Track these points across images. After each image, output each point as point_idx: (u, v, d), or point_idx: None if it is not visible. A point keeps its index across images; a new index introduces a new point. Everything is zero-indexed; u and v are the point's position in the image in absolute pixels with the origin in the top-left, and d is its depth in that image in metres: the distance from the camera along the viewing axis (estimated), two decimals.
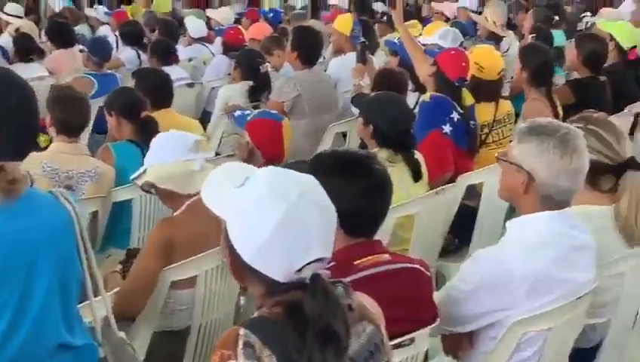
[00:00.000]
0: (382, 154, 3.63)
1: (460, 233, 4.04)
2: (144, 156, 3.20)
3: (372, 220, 2.33)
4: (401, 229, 3.65)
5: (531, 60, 4.83)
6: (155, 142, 3.11)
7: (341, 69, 6.03)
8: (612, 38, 5.57)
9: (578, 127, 2.58)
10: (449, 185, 3.82)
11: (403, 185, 3.80)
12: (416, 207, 3.58)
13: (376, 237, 2.39)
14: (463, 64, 4.43)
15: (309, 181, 1.56)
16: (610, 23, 6.00)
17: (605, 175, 2.66)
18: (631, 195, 2.61)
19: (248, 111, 3.98)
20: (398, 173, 3.77)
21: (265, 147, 3.65)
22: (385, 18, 8.37)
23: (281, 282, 1.53)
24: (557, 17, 7.64)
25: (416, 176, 3.75)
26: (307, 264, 1.50)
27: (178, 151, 3.01)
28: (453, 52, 4.60)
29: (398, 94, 4.16)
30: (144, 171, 3.05)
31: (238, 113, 3.97)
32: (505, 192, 2.53)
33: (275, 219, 1.49)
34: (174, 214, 2.98)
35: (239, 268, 1.56)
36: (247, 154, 3.64)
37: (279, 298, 1.53)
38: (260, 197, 1.51)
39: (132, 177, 3.13)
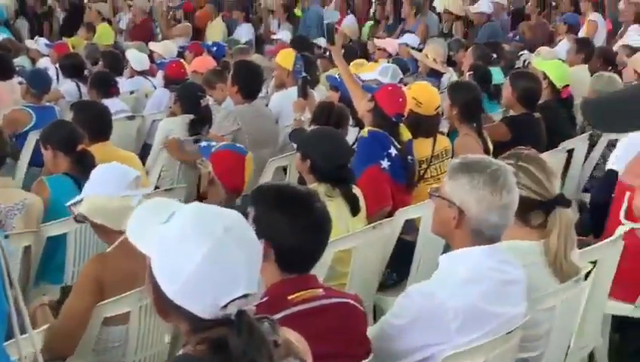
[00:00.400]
0: (320, 189, 3.66)
1: (398, 267, 4.06)
2: (80, 189, 3.16)
3: (310, 257, 2.34)
4: (339, 263, 3.67)
5: (460, 97, 4.92)
6: (96, 172, 3.08)
7: (283, 103, 6.05)
8: (546, 77, 5.71)
9: (509, 164, 2.64)
10: (386, 219, 3.85)
11: (342, 220, 3.82)
12: (353, 242, 3.59)
13: (314, 271, 2.40)
14: (400, 100, 4.49)
15: (234, 217, 1.56)
16: (543, 62, 6.15)
17: (535, 211, 2.70)
18: (560, 231, 2.66)
19: (214, 143, 4.03)
20: (336, 208, 3.79)
21: (226, 178, 3.68)
22: (327, 53, 8.45)
23: (206, 319, 1.52)
24: (495, 55, 7.80)
25: (355, 210, 3.80)
26: (232, 300, 1.49)
27: (117, 185, 2.99)
28: (390, 88, 4.67)
29: (334, 129, 4.21)
30: (80, 200, 3.02)
31: (204, 143, 4.03)
32: (437, 227, 2.56)
33: (200, 255, 1.48)
34: (107, 251, 2.94)
35: (163, 304, 1.55)
36: (207, 184, 3.69)
37: (204, 335, 1.52)
38: (185, 233, 1.50)
39: (68, 203, 3.09)
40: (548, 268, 2.69)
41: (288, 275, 2.29)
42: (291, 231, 2.23)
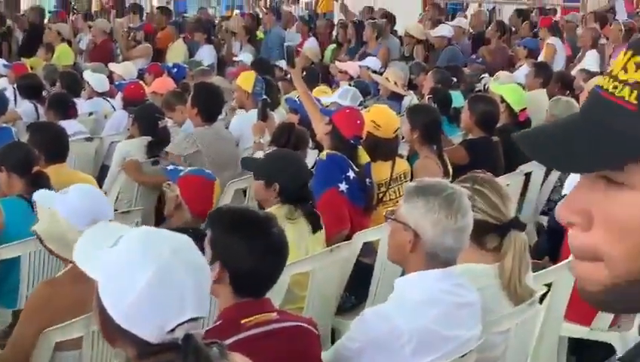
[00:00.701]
0: (282, 212, 3.69)
1: (357, 290, 4.06)
2: (34, 212, 3.10)
3: (265, 281, 2.35)
4: (297, 287, 3.65)
5: (419, 120, 4.96)
6: (76, 195, 2.92)
7: (243, 125, 6.04)
8: (503, 100, 5.77)
9: (465, 187, 2.66)
10: (344, 242, 3.84)
11: (302, 243, 3.82)
12: (311, 265, 3.58)
13: (271, 295, 2.39)
14: (358, 122, 4.51)
15: (182, 240, 1.55)
16: (501, 86, 6.22)
17: (490, 234, 2.72)
18: (514, 254, 2.67)
19: (181, 167, 4.05)
20: (297, 230, 3.80)
21: (193, 203, 3.69)
22: (288, 76, 8.46)
23: (153, 343, 1.50)
24: (455, 79, 7.87)
25: (315, 227, 3.83)
26: (180, 324, 1.48)
27: (87, 220, 2.85)
28: (348, 110, 4.68)
29: (289, 150, 4.24)
30: (43, 216, 2.92)
31: (171, 167, 4.04)
32: (393, 250, 2.57)
33: (146, 279, 1.46)
34: (56, 276, 2.89)
35: (111, 329, 1.53)
36: (173, 208, 3.70)
37: (151, 359, 1.50)
38: (131, 256, 1.49)
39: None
40: (503, 291, 2.70)
41: (243, 299, 2.28)
42: (246, 254, 2.23)
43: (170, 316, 1.48)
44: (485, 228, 2.69)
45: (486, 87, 8.19)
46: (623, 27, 9.82)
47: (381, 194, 4.67)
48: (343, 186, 4.33)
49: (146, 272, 1.47)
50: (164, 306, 1.48)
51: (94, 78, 7.72)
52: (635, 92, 0.83)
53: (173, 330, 1.48)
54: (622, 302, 0.87)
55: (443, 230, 2.41)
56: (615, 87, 0.85)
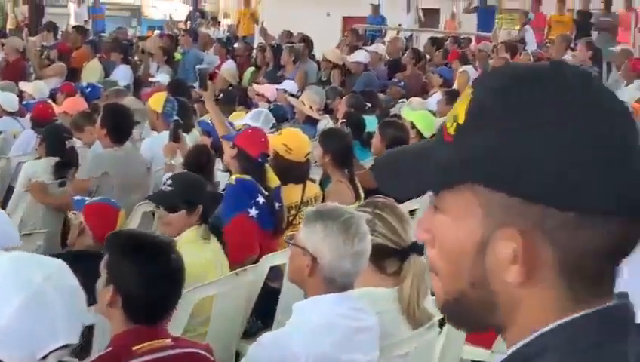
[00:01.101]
0: (200, 232, 3.74)
1: (264, 315, 4.03)
2: None
3: (159, 308, 2.31)
4: (203, 311, 3.61)
5: (331, 144, 4.99)
6: None
7: (154, 146, 5.97)
8: (414, 126, 5.87)
9: (366, 212, 2.68)
10: (250, 266, 3.83)
11: (218, 263, 3.80)
12: (215, 289, 3.55)
13: (173, 320, 2.36)
14: (262, 139, 4.51)
15: (56, 265, 1.51)
16: (412, 112, 6.33)
17: (390, 258, 2.74)
18: (413, 279, 2.70)
19: (87, 198, 4.11)
20: (212, 250, 3.78)
21: (96, 228, 3.73)
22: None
23: None
24: (370, 104, 7.95)
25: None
26: (52, 351, 1.44)
27: None
28: (250, 131, 4.69)
29: (191, 173, 4.26)
30: None
31: (77, 198, 4.09)
32: (292, 274, 2.57)
33: (15, 305, 1.43)
34: None
35: None
36: (77, 234, 3.76)
37: None
38: (1, 282, 1.45)
39: None
40: (402, 315, 2.72)
41: (135, 325, 2.24)
42: (138, 279, 2.20)
43: (41, 343, 1.44)
44: (385, 252, 2.71)
45: (400, 111, 8.31)
46: (532, 57, 10.12)
47: (291, 218, 4.67)
48: (252, 212, 4.30)
49: (15, 298, 1.43)
50: (35, 333, 1.44)
51: (4, 97, 7.54)
52: (455, 124, 0.90)
53: (45, 357, 1.44)
54: (454, 317, 0.96)
55: (340, 254, 2.42)
56: (449, 121, 0.93)
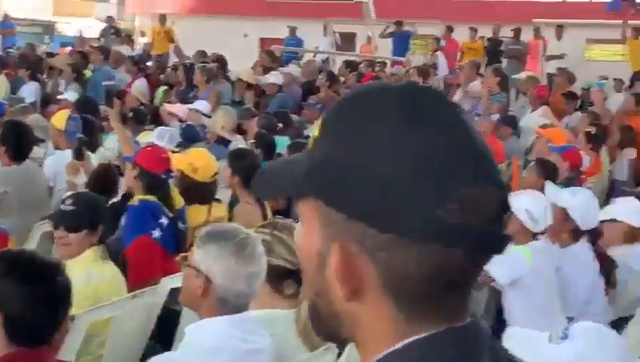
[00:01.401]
0: (99, 252, 3.69)
1: (164, 338, 3.94)
2: None
3: (42, 330, 2.22)
4: (99, 333, 3.50)
5: (239, 165, 4.95)
6: None
7: (57, 164, 5.81)
8: None
9: (264, 233, 2.65)
10: (149, 287, 3.74)
11: (118, 284, 3.71)
12: (112, 311, 3.45)
13: (67, 342, 2.27)
14: (164, 155, 4.44)
15: None
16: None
17: (288, 280, 2.71)
18: None
19: None
20: (111, 270, 3.71)
21: None
22: None
23: None
24: (282, 125, 7.94)
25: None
26: None
27: None
28: (149, 148, 4.62)
29: (93, 193, 4.16)
30: None
31: None
32: (184, 295, 2.52)
33: None
34: None
35: None
36: None
37: None
38: None
39: None
40: (298, 337, 2.68)
41: (18, 347, 2.15)
42: (17, 300, 2.12)
43: None
44: (283, 273, 2.68)
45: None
46: (440, 82, 10.31)
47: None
48: (156, 233, 4.22)
49: None
50: None
51: None
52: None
53: None
54: (313, 323, 0.97)
55: (233, 276, 2.38)
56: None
